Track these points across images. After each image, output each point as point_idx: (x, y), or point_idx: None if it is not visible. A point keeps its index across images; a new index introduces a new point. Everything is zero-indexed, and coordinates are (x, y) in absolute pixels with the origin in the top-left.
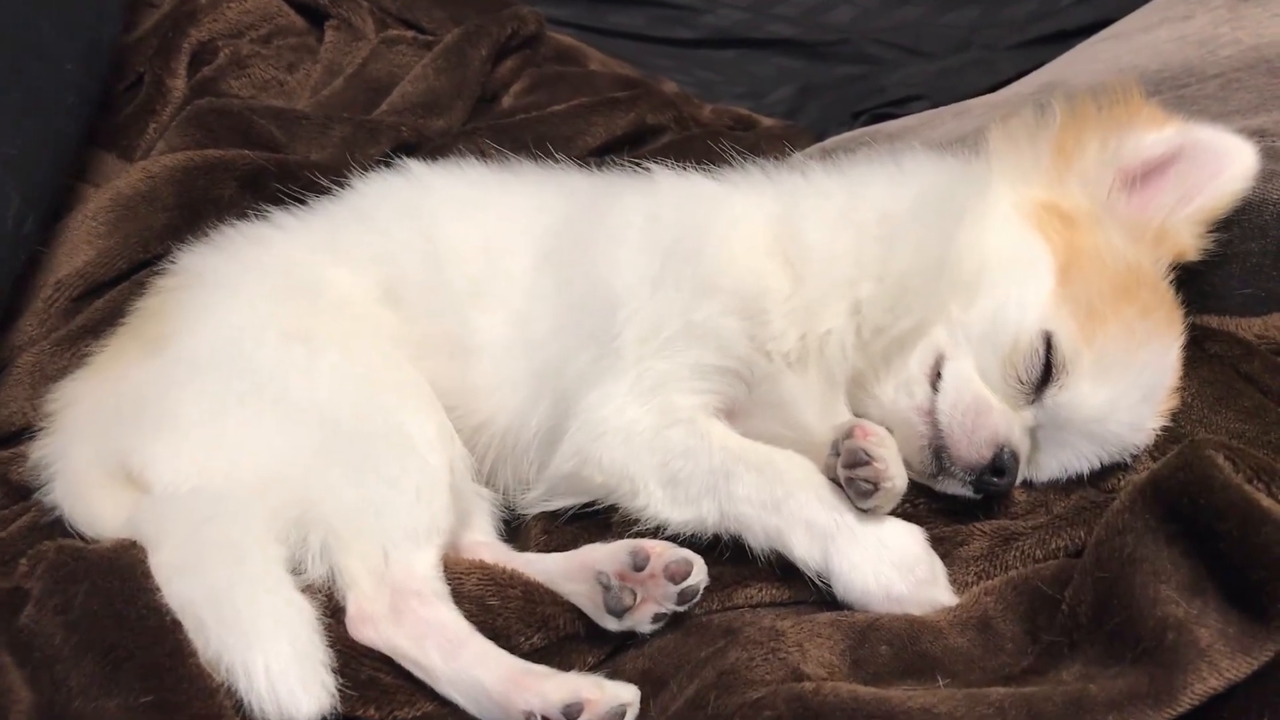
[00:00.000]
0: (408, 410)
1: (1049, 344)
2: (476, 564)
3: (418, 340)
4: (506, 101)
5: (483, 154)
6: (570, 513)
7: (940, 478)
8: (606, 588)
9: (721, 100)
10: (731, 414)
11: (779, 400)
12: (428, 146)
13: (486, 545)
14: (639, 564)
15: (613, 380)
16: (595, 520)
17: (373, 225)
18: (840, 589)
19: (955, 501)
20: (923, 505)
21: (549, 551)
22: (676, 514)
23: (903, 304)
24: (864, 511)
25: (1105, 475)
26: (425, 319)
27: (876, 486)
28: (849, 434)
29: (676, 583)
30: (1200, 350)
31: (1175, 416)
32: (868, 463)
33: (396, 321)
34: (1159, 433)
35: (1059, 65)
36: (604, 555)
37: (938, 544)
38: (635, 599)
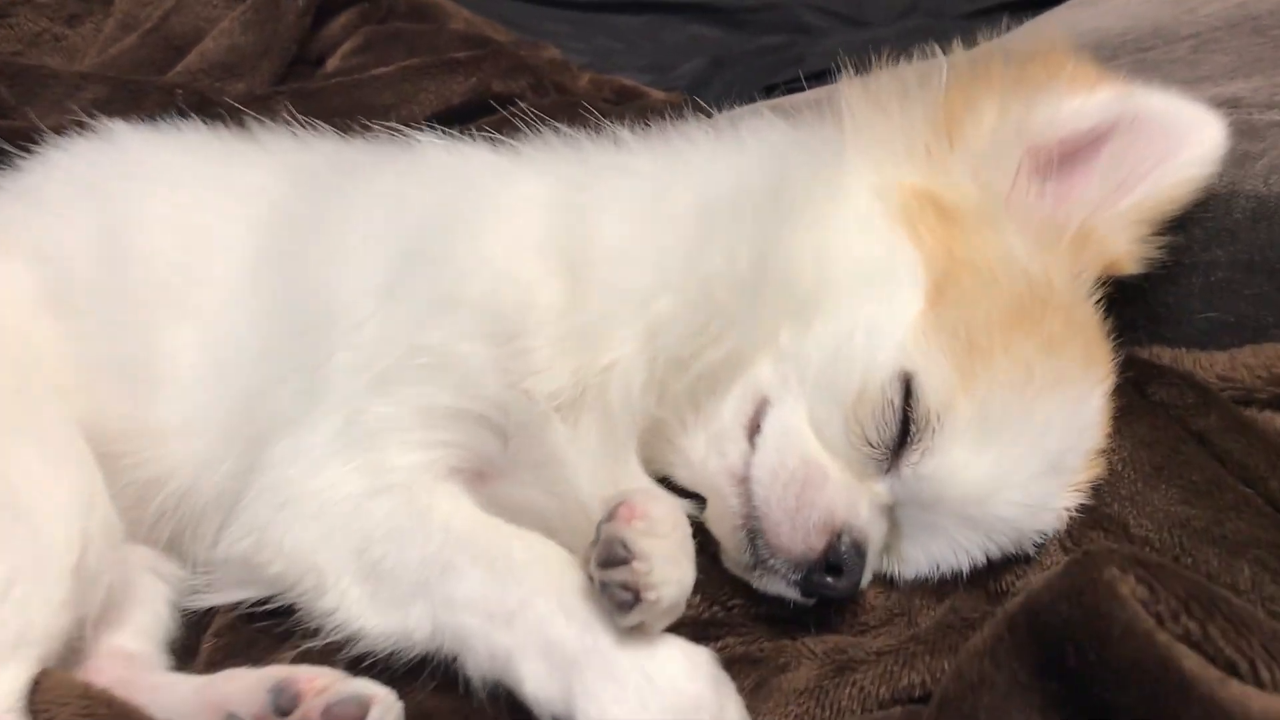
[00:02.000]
0: (25, 462)
1: (908, 390)
2: (79, 689)
3: (86, 362)
4: (333, 63)
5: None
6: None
7: (759, 571)
8: None
9: (622, 72)
10: (481, 475)
11: (544, 458)
12: (213, 113)
13: (126, 657)
14: (285, 705)
15: (313, 425)
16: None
17: (41, 205)
18: None
19: (784, 605)
20: (739, 609)
21: (222, 662)
22: (376, 622)
23: (712, 328)
24: (627, 630)
25: (997, 572)
26: (96, 334)
27: (637, 597)
28: (612, 514)
29: None
30: (1141, 396)
31: (1098, 490)
32: (626, 561)
33: (57, 336)
34: (1074, 514)
35: (1012, 37)
36: (241, 689)
37: (750, 668)
38: None
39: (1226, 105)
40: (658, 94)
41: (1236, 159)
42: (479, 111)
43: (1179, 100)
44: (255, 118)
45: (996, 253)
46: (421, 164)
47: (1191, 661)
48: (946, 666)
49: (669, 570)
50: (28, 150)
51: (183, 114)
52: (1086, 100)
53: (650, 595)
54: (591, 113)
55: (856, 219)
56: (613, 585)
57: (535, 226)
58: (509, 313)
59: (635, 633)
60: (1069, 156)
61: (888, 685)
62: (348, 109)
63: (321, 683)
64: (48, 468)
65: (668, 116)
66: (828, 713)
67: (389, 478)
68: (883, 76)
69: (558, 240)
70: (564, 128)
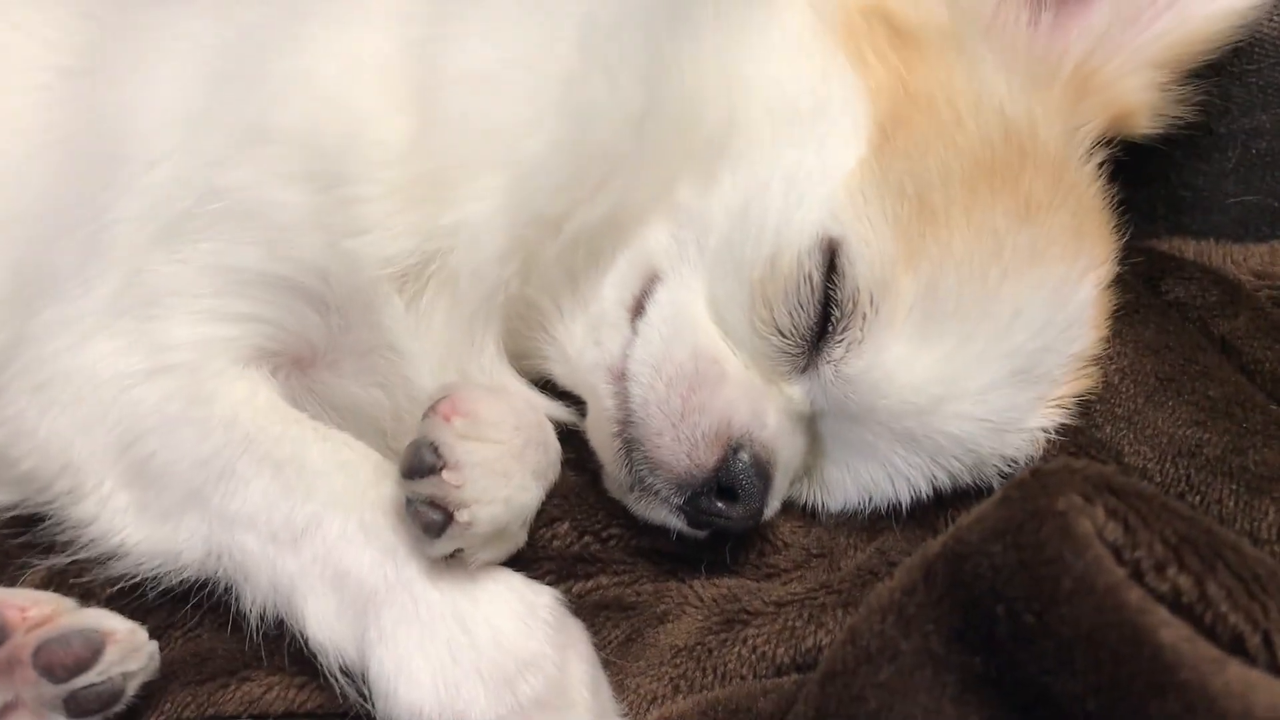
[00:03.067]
0: None
1: (833, 262)
2: None
3: None
4: None
5: None
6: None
7: (637, 493)
8: None
9: None
10: (299, 361)
11: (377, 342)
12: None
13: None
14: None
15: (85, 288)
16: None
17: None
18: (380, 705)
19: (673, 539)
20: (616, 541)
21: None
22: (142, 535)
23: (590, 177)
24: (442, 559)
25: (945, 508)
26: None
27: (449, 517)
28: (431, 410)
29: (58, 679)
30: (1152, 293)
31: (1088, 408)
32: (435, 470)
33: None
34: (1053, 437)
35: None
36: None
37: (621, 615)
38: None
39: None
40: None
41: None
42: None
43: None
44: None
45: (965, 88)
46: None
47: (1174, 633)
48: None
49: (492, 485)
50: None
51: None
52: None
53: (463, 515)
54: None
55: (783, 38)
56: (418, 500)
57: (378, 40)
58: (334, 150)
59: (454, 565)
60: None
61: (787, 645)
62: None
63: (38, 613)
64: None
65: None
66: (709, 677)
67: (168, 356)
68: None
69: (406, 62)
70: None
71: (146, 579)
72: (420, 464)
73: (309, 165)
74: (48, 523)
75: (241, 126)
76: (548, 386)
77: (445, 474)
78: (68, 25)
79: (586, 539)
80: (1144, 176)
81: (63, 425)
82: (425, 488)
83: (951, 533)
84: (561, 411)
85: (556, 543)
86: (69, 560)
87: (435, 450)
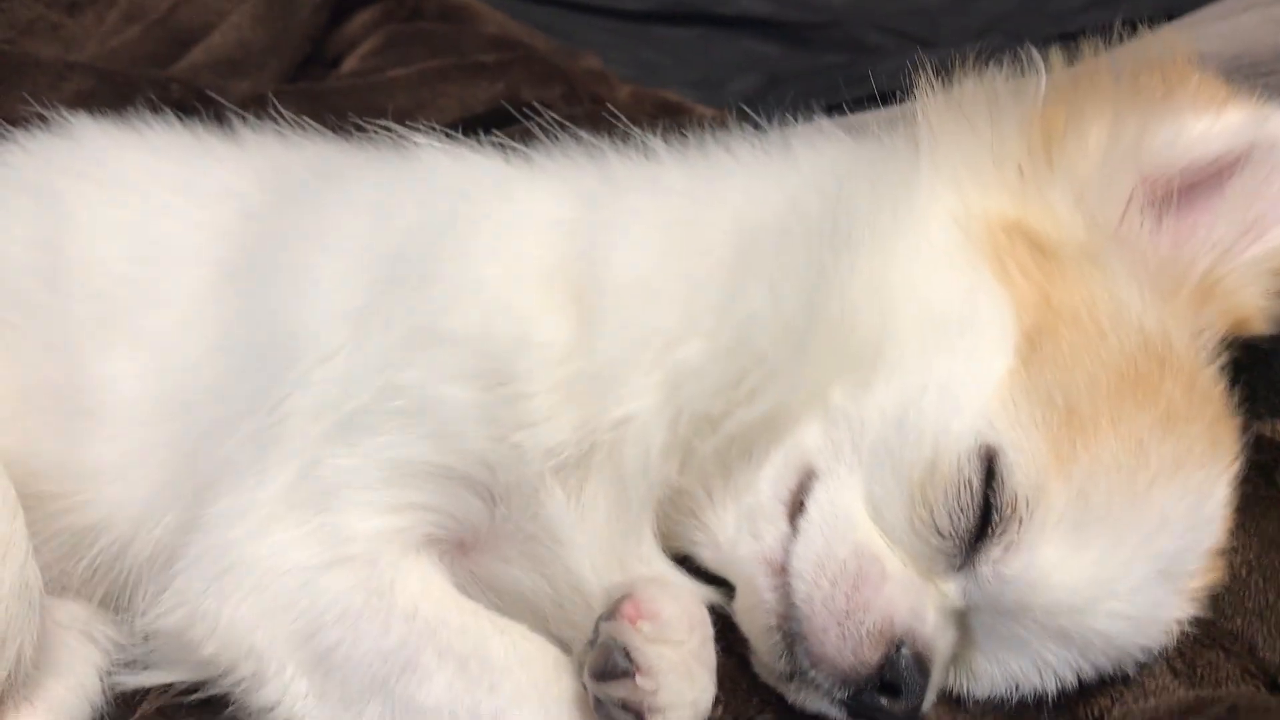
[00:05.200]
0: None
1: (991, 469)
2: None
3: (15, 388)
4: (350, 64)
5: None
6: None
7: (796, 683)
8: None
9: (668, 88)
10: (462, 546)
11: (538, 530)
12: (213, 115)
13: None
14: None
15: (261, 478)
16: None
17: None
18: None
19: None
20: None
21: None
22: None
23: (749, 380)
24: None
25: (1088, 694)
26: (28, 356)
27: (640, 717)
28: (615, 610)
29: None
30: (1269, 484)
31: (1217, 599)
32: (628, 674)
33: None
34: (1186, 628)
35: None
36: None
37: None
38: None
39: None
40: (705, 109)
41: None
42: (505, 122)
43: None
44: (250, 118)
45: (1104, 301)
46: (414, 170)
47: None
48: None
49: (681, 687)
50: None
51: (179, 114)
52: (1214, 122)
53: (655, 718)
54: (621, 121)
55: (932, 253)
56: (610, 703)
57: (540, 249)
58: (502, 350)
59: None
60: (1191, 189)
61: None
62: (357, 113)
63: None
64: None
65: (710, 131)
66: None
67: (347, 548)
68: (969, 86)
69: (566, 267)
70: (588, 137)
71: None
72: (613, 668)
73: (479, 365)
74: (232, 707)
75: (414, 328)
76: (685, 561)
77: (639, 679)
78: (228, 219)
79: None
80: (1248, 358)
81: (244, 612)
82: (619, 690)
83: None
84: (713, 595)
85: None
86: None
87: (626, 655)
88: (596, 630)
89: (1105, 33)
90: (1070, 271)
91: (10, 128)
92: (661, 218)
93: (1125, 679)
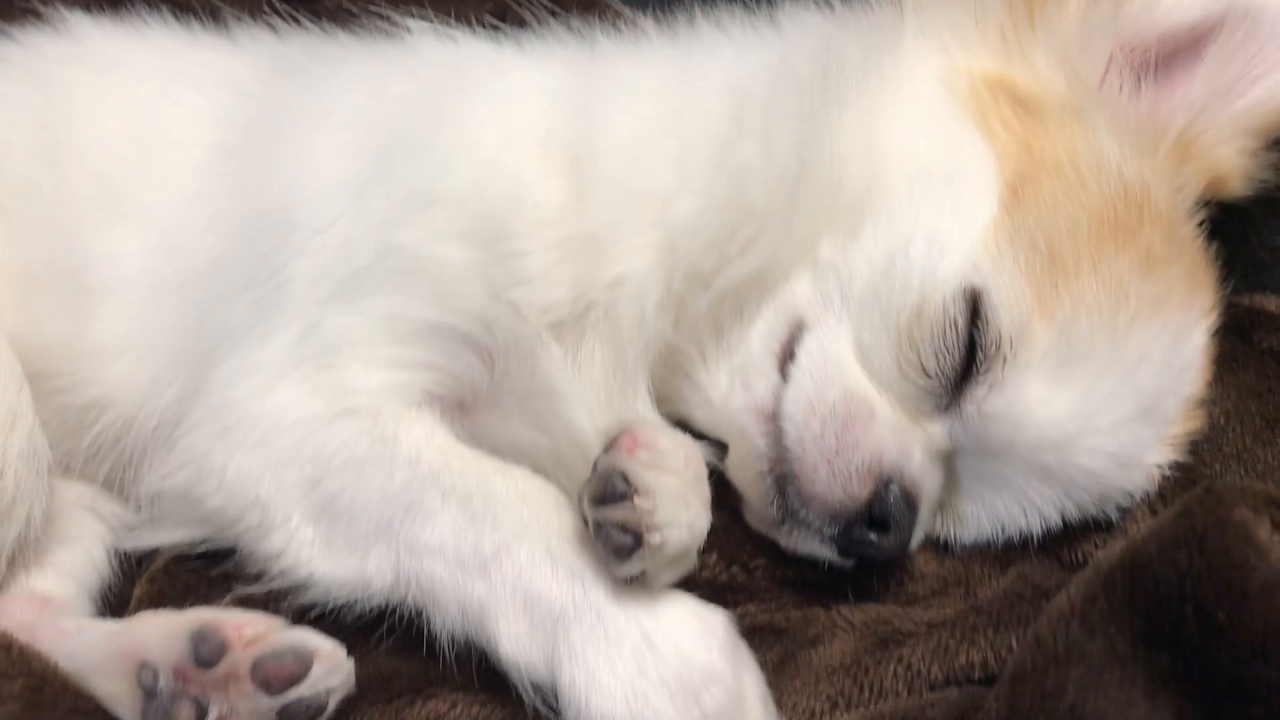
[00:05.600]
0: None
1: (976, 309)
2: None
3: (18, 270)
4: None
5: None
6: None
7: (788, 526)
8: (151, 693)
9: None
10: (462, 405)
11: (536, 387)
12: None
13: (41, 600)
14: (209, 656)
15: (263, 340)
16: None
17: None
18: (573, 715)
19: (815, 569)
20: (762, 571)
21: (157, 609)
22: (329, 566)
23: (741, 235)
24: (626, 581)
25: (1072, 539)
26: (31, 239)
27: (638, 541)
28: (612, 444)
29: (274, 692)
30: (1245, 343)
31: (1196, 447)
32: (625, 496)
33: None
34: (1168, 473)
35: None
36: (159, 635)
37: (774, 639)
38: (205, 716)
39: None
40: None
41: None
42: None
43: None
44: (243, 18)
45: (1085, 152)
46: (409, 52)
47: None
48: (1014, 643)
49: (677, 510)
50: None
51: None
52: None
53: (654, 538)
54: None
55: (918, 108)
56: (609, 525)
57: (534, 116)
58: (497, 209)
59: (635, 586)
60: (1169, 53)
61: (941, 663)
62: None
63: (253, 631)
64: None
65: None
66: (867, 694)
67: (350, 400)
68: None
69: (561, 132)
70: (577, 23)
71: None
72: (611, 491)
73: (475, 224)
74: (238, 555)
75: (411, 191)
76: (681, 429)
77: (636, 500)
78: (226, 102)
79: (734, 569)
80: (1224, 237)
81: (250, 465)
82: (617, 513)
83: (1127, 547)
84: (708, 454)
85: (705, 572)
86: (265, 589)
87: (624, 479)
88: (595, 465)
89: None
90: (1051, 124)
91: (6, 25)
92: (651, 84)
93: (1108, 524)
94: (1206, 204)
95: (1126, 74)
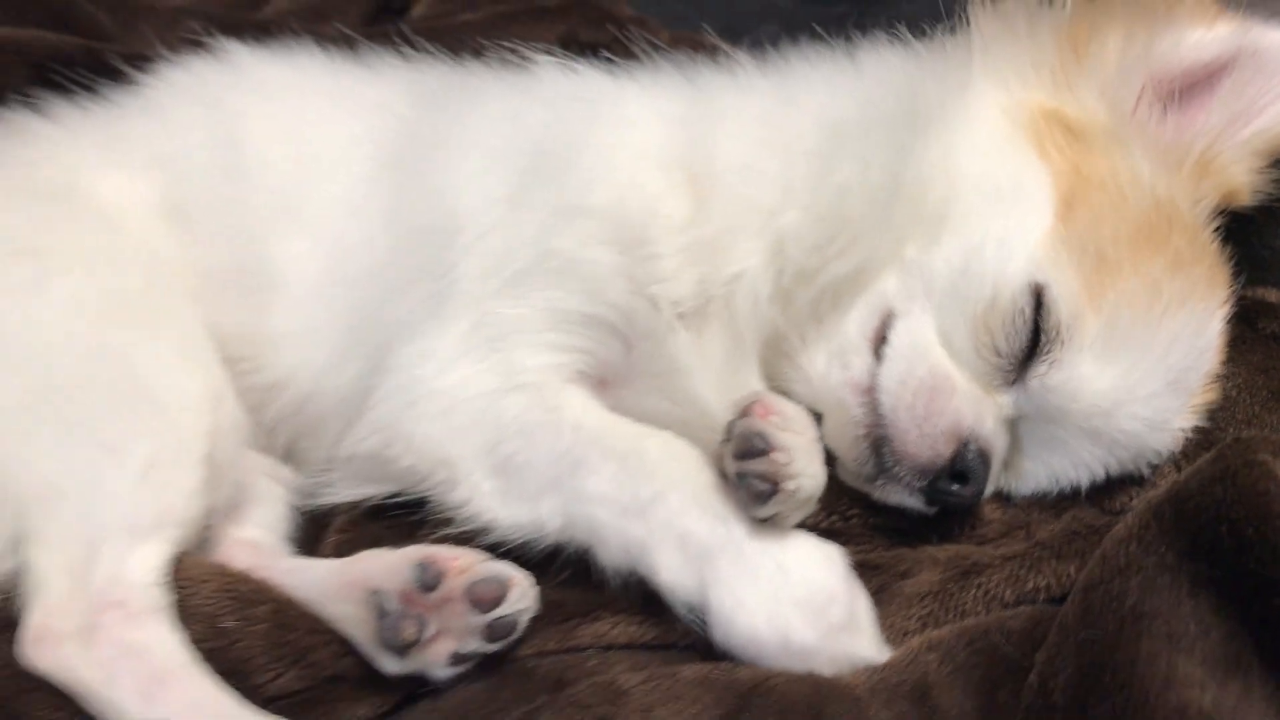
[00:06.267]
0: (158, 356)
1: (1039, 301)
2: (216, 570)
3: (204, 270)
4: (418, 10)
5: None
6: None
7: (881, 481)
8: (383, 613)
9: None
10: (604, 382)
11: (667, 366)
12: None
13: (254, 545)
14: (429, 582)
15: (440, 328)
16: (417, 516)
17: (162, 120)
18: (720, 632)
19: (902, 516)
20: (856, 519)
21: (349, 554)
22: (507, 513)
23: (840, 240)
24: (761, 522)
25: (1112, 491)
26: (214, 243)
27: (775, 487)
28: (745, 411)
29: (484, 611)
30: (1251, 329)
31: (1213, 414)
32: (764, 452)
33: (178, 244)
34: (1190, 435)
35: None
36: (383, 567)
37: (871, 575)
38: (423, 631)
39: None
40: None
41: None
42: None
43: None
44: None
45: (1124, 171)
46: (538, 83)
47: None
48: (1072, 570)
49: (807, 463)
50: (118, 77)
51: None
52: (1207, 32)
53: (789, 485)
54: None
55: (986, 136)
56: (750, 476)
57: (657, 140)
58: (635, 220)
59: (768, 526)
60: (1189, 86)
61: (1013, 588)
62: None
63: (463, 562)
64: (179, 363)
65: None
66: (952, 614)
67: (519, 377)
68: (1011, 5)
69: (680, 154)
70: (677, 57)
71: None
72: (752, 448)
73: (618, 233)
74: (429, 505)
75: (562, 205)
76: None
77: (774, 455)
78: (378, 126)
79: (833, 518)
80: (1233, 239)
81: (436, 431)
82: (759, 465)
83: (1171, 486)
84: None
85: (807, 521)
86: (456, 532)
87: (763, 438)
88: (730, 430)
89: None
90: (1096, 149)
91: (147, 62)
92: (754, 113)
93: (1141, 479)
94: (1220, 212)
95: (1155, 104)
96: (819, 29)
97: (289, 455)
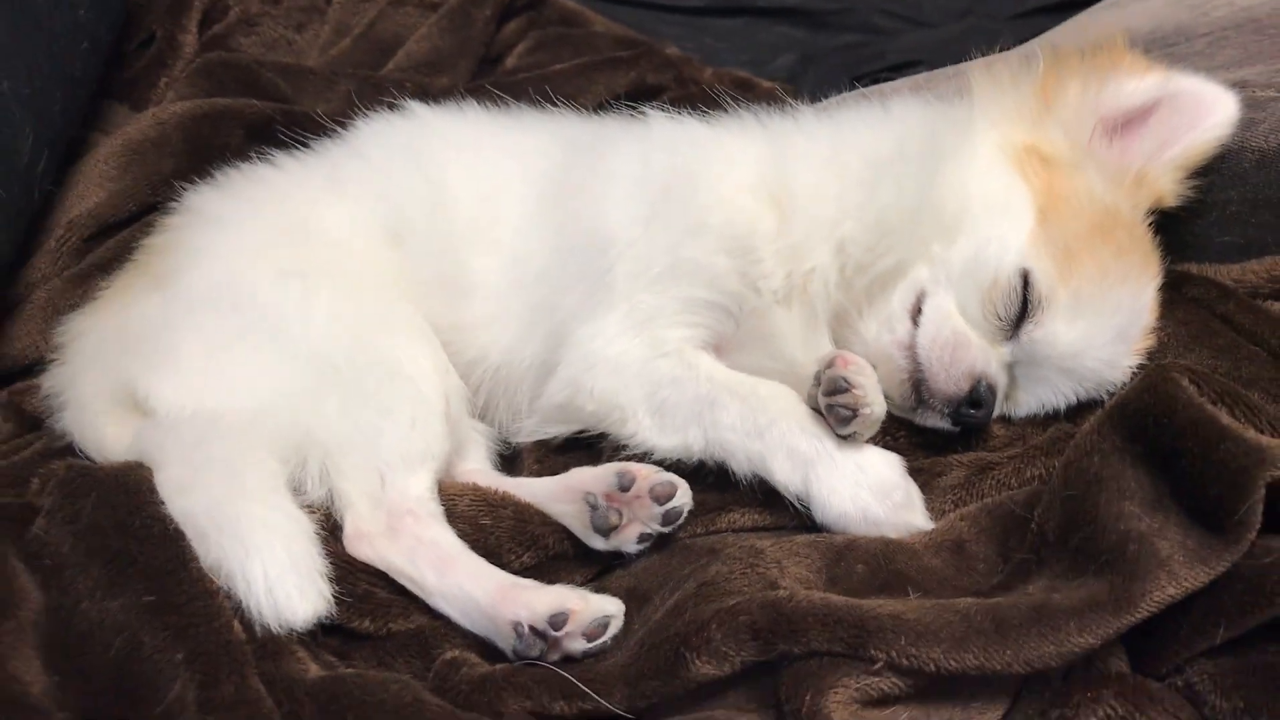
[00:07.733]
0: (402, 344)
1: (1026, 281)
2: (469, 487)
3: (417, 280)
4: (510, 62)
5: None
6: (561, 441)
7: (920, 410)
8: (594, 508)
9: (727, 67)
10: (719, 348)
11: (766, 334)
12: (431, 102)
13: (480, 473)
14: (625, 485)
15: (604, 315)
16: (585, 450)
17: (372, 164)
18: (819, 512)
19: (935, 435)
20: (903, 439)
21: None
22: (663, 440)
23: (885, 243)
24: (843, 439)
25: (1081, 412)
26: (424, 260)
27: (855, 413)
28: (830, 363)
29: (661, 504)
30: (1178, 294)
31: (1151, 355)
32: (847, 390)
33: (397, 261)
34: (1135, 371)
35: (1056, 33)
36: (592, 477)
37: (916, 475)
38: (621, 519)
39: (1237, 86)
40: (766, 83)
41: (1245, 124)
42: (636, 99)
43: (1204, 82)
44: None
45: (1082, 187)
46: (655, 131)
47: (1226, 418)
48: (1056, 464)
49: (876, 396)
50: (304, 128)
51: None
52: (1140, 83)
53: (865, 410)
54: (734, 100)
55: (986, 165)
56: (837, 406)
57: (751, 174)
58: (741, 234)
59: (848, 441)
60: (1129, 123)
61: (1016, 477)
62: (539, 98)
63: (647, 471)
64: (415, 347)
65: (777, 101)
66: (974, 497)
67: (665, 347)
68: (998, 62)
69: (766, 185)
70: (748, 106)
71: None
72: (837, 387)
73: (731, 244)
74: (608, 439)
75: (687, 224)
76: None
77: (854, 391)
78: (537, 168)
79: (887, 438)
80: (1164, 227)
81: (610, 384)
82: (842, 399)
83: (1117, 397)
84: None
85: (874, 439)
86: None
87: (845, 380)
88: (818, 377)
89: (1056, 11)
90: (1062, 172)
91: (328, 120)
92: (819, 151)
93: (1101, 403)
94: (1153, 212)
95: (1104, 136)
96: (830, 58)
97: (481, 414)
